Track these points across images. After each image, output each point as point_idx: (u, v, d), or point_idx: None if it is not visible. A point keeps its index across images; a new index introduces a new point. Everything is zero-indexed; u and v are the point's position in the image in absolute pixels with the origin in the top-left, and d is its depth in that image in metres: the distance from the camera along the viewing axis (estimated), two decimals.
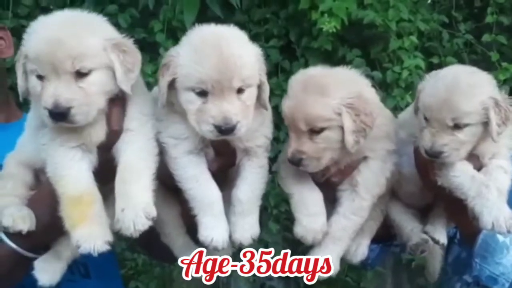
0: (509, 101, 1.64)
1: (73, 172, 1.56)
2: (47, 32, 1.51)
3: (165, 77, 1.59)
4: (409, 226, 1.83)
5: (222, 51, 1.55)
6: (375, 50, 3.37)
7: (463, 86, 1.60)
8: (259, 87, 1.64)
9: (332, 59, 3.40)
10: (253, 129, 1.66)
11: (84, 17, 1.59)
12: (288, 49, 3.41)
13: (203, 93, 1.57)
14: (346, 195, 1.74)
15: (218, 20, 1.72)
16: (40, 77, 1.52)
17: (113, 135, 1.60)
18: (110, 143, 1.60)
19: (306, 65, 3.37)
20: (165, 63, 1.61)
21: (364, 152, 1.70)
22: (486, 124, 1.61)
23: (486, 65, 3.41)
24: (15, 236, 1.65)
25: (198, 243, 1.81)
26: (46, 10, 3.44)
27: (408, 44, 3.29)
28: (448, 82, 1.61)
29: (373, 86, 3.18)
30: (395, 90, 3.28)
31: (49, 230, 1.67)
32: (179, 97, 1.60)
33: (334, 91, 1.64)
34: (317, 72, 1.70)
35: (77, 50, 1.51)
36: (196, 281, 4.13)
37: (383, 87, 3.31)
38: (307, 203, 1.71)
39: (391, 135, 1.72)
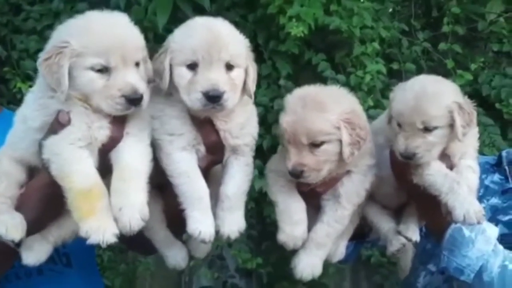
0: (472, 105, 1.81)
1: (82, 168, 1.62)
2: (109, 28, 1.62)
3: (166, 57, 1.69)
4: (386, 227, 1.97)
5: (212, 28, 1.70)
6: (340, 55, 3.51)
7: (429, 93, 1.76)
8: (246, 72, 1.73)
9: (299, 62, 3.52)
10: (240, 125, 1.76)
11: (122, 15, 1.69)
12: (256, 51, 3.48)
13: (193, 66, 1.67)
14: (329, 204, 1.87)
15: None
16: (102, 71, 1.61)
17: (115, 140, 1.67)
18: (111, 147, 1.67)
19: (273, 67, 3.49)
20: (163, 47, 1.72)
21: (348, 167, 1.84)
22: (452, 126, 1.76)
23: (442, 72, 3.59)
24: None
25: (177, 236, 1.91)
26: (16, 6, 3.43)
27: (370, 50, 3.44)
28: (416, 90, 1.77)
29: None
30: (358, 93, 3.41)
31: (36, 223, 1.72)
32: (173, 77, 1.70)
33: (332, 107, 1.77)
34: (314, 90, 1.83)
35: (138, 42, 1.67)
36: (159, 278, 4.17)
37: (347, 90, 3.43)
38: (291, 212, 1.85)
39: (373, 150, 1.87)
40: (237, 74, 1.71)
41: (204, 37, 1.67)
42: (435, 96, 1.76)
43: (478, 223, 1.73)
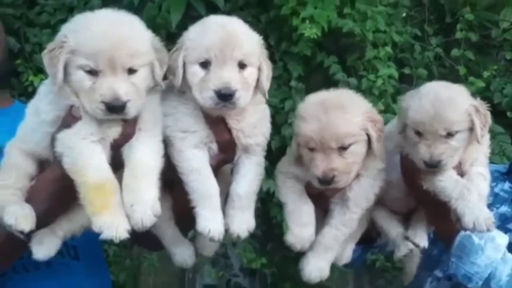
0: (485, 106, 1.82)
1: (95, 162, 1.62)
2: (103, 29, 1.59)
3: (180, 54, 1.70)
4: (394, 232, 1.97)
5: (226, 26, 1.70)
6: (352, 58, 3.50)
7: (447, 98, 1.77)
8: (260, 70, 1.73)
9: (310, 64, 3.52)
10: (252, 124, 1.77)
11: (130, 16, 1.69)
12: (267, 52, 3.49)
13: (206, 64, 1.67)
14: (337, 208, 1.87)
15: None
16: (91, 72, 1.60)
17: (127, 136, 1.68)
18: (122, 143, 1.68)
19: (284, 68, 3.49)
20: (177, 44, 1.73)
21: (358, 171, 1.84)
22: (470, 129, 1.77)
23: (453, 78, 3.58)
24: None
25: (185, 234, 1.92)
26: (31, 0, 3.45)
27: (383, 54, 3.43)
28: (432, 97, 1.77)
29: None
30: (369, 97, 3.40)
31: (46, 216, 1.72)
32: (186, 74, 1.71)
33: (354, 108, 1.78)
34: (330, 94, 1.83)
35: (134, 48, 1.61)
36: (163, 274, 4.17)
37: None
38: (300, 214, 1.85)
39: (383, 155, 1.86)
40: (250, 72, 1.71)
41: (218, 36, 1.67)
42: (453, 101, 1.77)
43: (488, 230, 1.73)
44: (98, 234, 1.62)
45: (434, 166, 1.76)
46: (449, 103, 1.76)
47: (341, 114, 1.75)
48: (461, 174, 1.81)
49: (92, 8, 1.74)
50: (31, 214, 1.68)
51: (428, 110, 1.75)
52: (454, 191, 1.76)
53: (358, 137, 1.77)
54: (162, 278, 4.00)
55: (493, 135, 3.42)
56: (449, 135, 1.75)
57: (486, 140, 1.85)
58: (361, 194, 1.85)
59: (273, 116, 3.35)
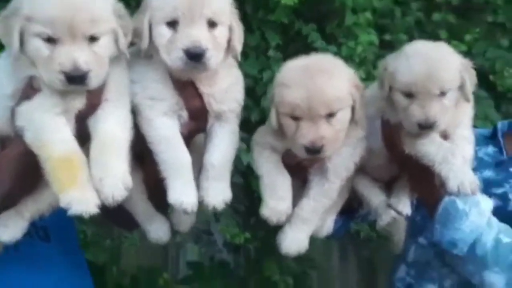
0: (471, 64, 1.78)
1: (60, 136, 1.55)
2: None
3: (145, 15, 1.62)
4: (376, 201, 1.92)
5: None
6: (331, 25, 3.40)
7: (438, 57, 1.72)
8: (231, 30, 1.66)
9: (288, 33, 3.43)
10: (224, 89, 1.69)
11: None
12: (244, 21, 3.39)
13: (173, 24, 1.60)
14: (316, 179, 1.81)
15: None
16: (49, 40, 1.51)
17: (92, 107, 1.60)
18: (87, 114, 1.60)
19: (262, 37, 3.39)
20: (142, 5, 1.65)
21: None
22: (461, 87, 1.74)
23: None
24: None
25: (159, 209, 1.84)
26: None
27: (362, 20, 3.34)
28: (422, 56, 1.71)
29: None
30: (350, 65, 3.31)
31: (11, 195, 1.65)
32: (153, 36, 1.62)
33: (340, 74, 1.72)
34: (311, 60, 1.76)
35: (93, 15, 1.53)
36: (145, 254, 4.12)
37: None
38: (276, 186, 1.78)
39: (363, 122, 1.79)
40: (220, 31, 1.63)
41: None
42: (445, 59, 1.72)
43: (473, 194, 1.69)
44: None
45: (429, 127, 1.70)
46: (440, 61, 1.71)
47: (328, 79, 1.68)
48: (445, 137, 1.75)
49: None
50: None
51: (420, 70, 1.69)
52: (437, 155, 1.71)
53: (345, 103, 1.71)
54: (144, 257, 3.95)
55: (477, 99, 3.37)
56: (442, 94, 1.70)
57: (470, 102, 1.80)
58: (340, 164, 1.78)
59: (252, 88, 3.34)
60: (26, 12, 1.52)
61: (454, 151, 1.71)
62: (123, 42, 1.61)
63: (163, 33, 1.61)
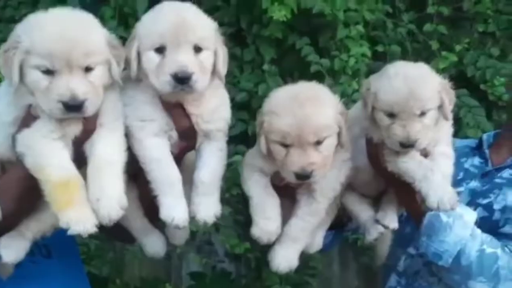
0: (450, 84, 1.84)
1: (57, 160, 1.63)
2: (57, 29, 1.60)
3: (134, 43, 1.70)
4: (364, 216, 1.98)
5: (178, 11, 1.70)
6: (324, 38, 3.45)
7: (418, 77, 1.78)
8: (215, 54, 1.73)
9: (282, 47, 3.49)
10: (212, 110, 1.77)
11: (83, 15, 1.69)
12: (239, 36, 3.47)
13: (161, 49, 1.68)
14: (304, 199, 1.88)
15: None
16: (48, 72, 1.60)
17: (88, 133, 1.68)
18: (84, 139, 1.68)
19: (257, 52, 3.45)
20: (131, 35, 1.73)
21: None
22: (439, 107, 1.79)
23: (427, 53, 3.58)
24: None
25: (155, 224, 1.92)
26: None
27: (354, 33, 3.39)
28: (402, 77, 1.77)
29: (322, 73, 3.34)
30: (343, 77, 3.39)
31: (13, 217, 1.72)
32: (142, 63, 1.71)
33: (328, 101, 1.79)
34: (299, 88, 1.82)
35: (89, 47, 1.62)
36: (148, 265, 4.16)
37: (331, 75, 3.41)
38: (265, 207, 1.85)
39: (348, 145, 1.86)
40: (206, 56, 1.71)
41: (171, 20, 1.67)
42: (425, 79, 1.78)
43: (452, 209, 1.74)
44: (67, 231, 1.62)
45: (411, 146, 1.76)
46: (421, 82, 1.77)
47: (316, 107, 1.75)
48: (425, 154, 1.81)
49: (57, 2, 1.72)
50: None
51: (402, 90, 1.74)
52: (417, 173, 1.77)
53: (332, 130, 1.77)
54: (147, 268, 4.00)
55: (468, 108, 3.43)
56: (422, 113, 1.76)
57: (449, 121, 1.86)
58: (327, 185, 1.85)
59: (248, 101, 3.40)
60: (25, 46, 1.60)
61: (433, 168, 1.77)
62: (116, 70, 1.69)
63: (151, 58, 1.69)
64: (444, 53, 3.47)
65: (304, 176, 1.74)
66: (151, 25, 1.70)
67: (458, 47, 3.55)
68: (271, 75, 3.40)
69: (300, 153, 1.73)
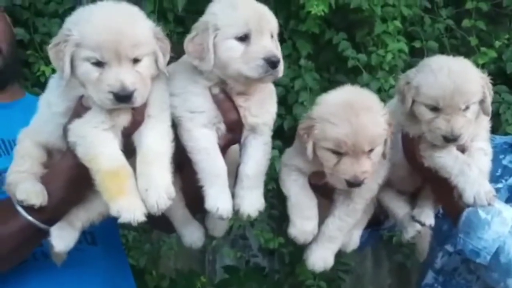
0: (488, 78, 1.84)
1: (108, 150, 1.67)
2: (106, 22, 1.65)
3: (209, 35, 1.72)
4: (401, 213, 1.97)
5: (256, 4, 1.75)
6: (361, 33, 3.45)
7: (462, 71, 1.78)
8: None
9: (319, 42, 3.49)
10: (259, 103, 1.79)
11: (130, 7, 1.73)
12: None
13: (243, 38, 1.71)
14: (341, 199, 1.88)
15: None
16: (98, 64, 1.64)
17: (136, 124, 1.72)
18: (132, 130, 1.72)
19: (293, 47, 3.47)
20: (197, 27, 1.75)
21: None
22: (480, 102, 1.79)
23: (465, 49, 3.53)
24: (31, 209, 1.76)
25: (195, 215, 1.95)
26: None
27: (392, 28, 3.38)
28: (448, 71, 1.76)
29: (359, 68, 3.34)
30: (380, 72, 3.38)
31: (63, 204, 1.79)
32: (218, 52, 1.72)
33: (377, 108, 1.79)
34: (353, 95, 1.82)
35: (137, 38, 1.66)
36: (183, 257, 4.21)
37: (368, 70, 3.41)
38: (302, 207, 1.86)
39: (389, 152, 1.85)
40: (277, 44, 1.76)
41: (252, 9, 1.72)
42: (469, 74, 1.78)
43: (489, 204, 1.73)
44: (115, 219, 1.67)
45: (454, 140, 1.75)
46: (466, 76, 1.76)
47: (371, 116, 1.75)
48: (462, 150, 1.80)
49: None
50: (42, 190, 1.75)
51: (447, 84, 1.74)
52: (454, 167, 1.76)
53: (383, 138, 1.78)
54: (182, 261, 4.04)
55: (508, 105, 3.39)
56: (466, 108, 1.76)
57: (489, 115, 1.85)
58: (365, 186, 1.83)
59: (284, 96, 3.41)
60: (75, 39, 1.65)
61: (470, 163, 1.76)
62: (162, 62, 1.72)
63: (234, 47, 1.71)
64: (483, 49, 3.43)
65: (356, 184, 1.75)
66: (231, 15, 1.71)
67: (497, 43, 3.50)
68: (308, 70, 3.42)
69: (353, 162, 1.73)
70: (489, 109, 1.79)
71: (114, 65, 1.64)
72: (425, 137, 1.81)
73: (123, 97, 1.64)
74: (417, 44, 3.54)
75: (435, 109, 1.77)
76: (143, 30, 1.69)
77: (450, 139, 1.75)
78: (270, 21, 1.74)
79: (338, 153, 1.75)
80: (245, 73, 1.71)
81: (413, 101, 1.80)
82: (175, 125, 1.78)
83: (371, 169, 1.76)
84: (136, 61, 1.67)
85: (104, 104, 1.66)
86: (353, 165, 1.73)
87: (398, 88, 1.87)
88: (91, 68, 1.65)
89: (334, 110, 1.76)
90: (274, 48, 1.71)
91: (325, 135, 1.75)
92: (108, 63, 1.64)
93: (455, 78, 1.74)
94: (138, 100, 1.66)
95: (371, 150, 1.75)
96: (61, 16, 3.39)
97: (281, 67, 1.71)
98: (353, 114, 1.73)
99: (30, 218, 1.76)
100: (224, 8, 1.74)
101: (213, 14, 1.74)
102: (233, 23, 1.71)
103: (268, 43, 1.70)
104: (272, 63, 1.68)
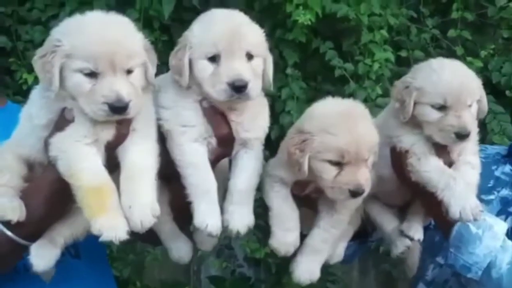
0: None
1: (90, 165, 1.62)
2: (99, 32, 1.61)
3: (185, 52, 1.70)
4: (389, 227, 1.96)
5: (230, 19, 1.71)
6: (347, 43, 3.45)
7: (464, 70, 1.82)
8: (264, 61, 1.74)
9: (306, 51, 3.48)
10: (252, 118, 1.76)
11: (121, 18, 1.69)
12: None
13: (214, 58, 1.68)
14: (325, 210, 1.85)
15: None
16: (91, 75, 1.60)
17: (121, 138, 1.67)
18: (116, 144, 1.67)
19: (280, 56, 3.44)
20: (180, 42, 1.73)
21: None
22: (478, 101, 1.82)
23: (451, 59, 3.54)
24: (10, 224, 1.69)
25: (183, 230, 1.91)
26: None
27: (378, 37, 3.38)
28: (451, 70, 1.78)
29: (346, 78, 3.33)
30: (366, 81, 3.38)
31: (44, 220, 1.73)
32: (195, 71, 1.70)
33: (369, 117, 1.79)
34: (345, 105, 1.81)
35: (132, 49, 1.63)
36: (168, 268, 4.17)
37: (355, 79, 3.40)
38: (284, 218, 1.82)
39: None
40: (257, 63, 1.71)
41: (224, 29, 1.67)
42: (468, 71, 1.81)
43: (475, 219, 1.71)
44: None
45: (466, 136, 1.74)
46: (467, 73, 1.80)
47: (368, 124, 1.76)
48: (450, 164, 1.79)
49: (83, 3, 1.72)
50: (19, 206, 1.69)
51: (453, 81, 1.74)
52: (440, 182, 1.75)
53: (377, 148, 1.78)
54: (166, 271, 4.00)
55: (494, 115, 3.40)
56: (470, 105, 1.77)
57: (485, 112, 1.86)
58: None
59: (271, 105, 3.32)
60: (65, 50, 1.60)
61: (456, 177, 1.75)
62: (152, 73, 1.69)
63: (205, 67, 1.69)
64: (469, 58, 3.43)
65: (359, 193, 1.73)
66: (204, 34, 1.70)
67: (483, 53, 3.52)
68: (295, 79, 3.40)
69: (355, 171, 1.71)
70: (486, 108, 1.81)
71: (109, 76, 1.59)
72: (413, 151, 1.80)
73: (118, 108, 1.59)
74: (403, 54, 3.54)
75: (442, 108, 1.76)
76: (136, 40, 1.66)
77: (463, 135, 1.74)
78: (245, 40, 1.67)
79: (338, 164, 1.72)
80: (212, 95, 1.69)
81: (415, 104, 1.78)
82: (163, 139, 1.74)
83: (369, 178, 1.74)
84: (129, 72, 1.63)
85: (97, 116, 1.61)
86: (356, 174, 1.71)
87: (396, 94, 1.84)
88: (83, 79, 1.60)
89: (333, 121, 1.74)
90: (244, 71, 1.65)
91: (326, 147, 1.72)
92: (102, 74, 1.59)
93: (459, 75, 1.76)
94: (132, 112, 1.62)
95: (367, 159, 1.74)
96: (44, 24, 3.35)
97: (250, 91, 1.66)
98: (352, 123, 1.72)
99: (9, 233, 1.71)
100: (201, 26, 1.72)
101: (191, 30, 1.73)
102: (204, 42, 1.69)
103: (237, 65, 1.66)
104: (236, 88, 1.65)
